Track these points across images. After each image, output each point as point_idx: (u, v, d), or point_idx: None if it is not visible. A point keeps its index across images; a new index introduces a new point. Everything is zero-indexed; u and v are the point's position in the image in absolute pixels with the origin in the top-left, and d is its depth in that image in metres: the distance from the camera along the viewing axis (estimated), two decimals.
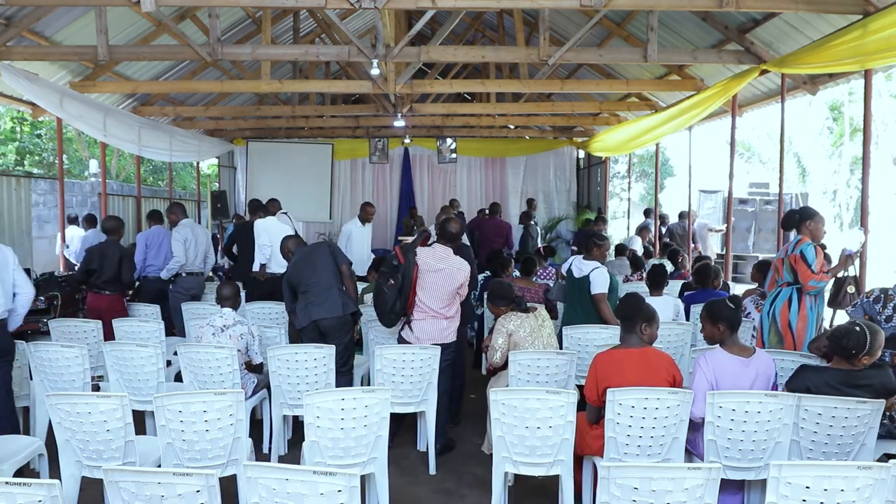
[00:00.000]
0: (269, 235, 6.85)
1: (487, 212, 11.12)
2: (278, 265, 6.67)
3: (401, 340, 4.61)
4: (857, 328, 3.25)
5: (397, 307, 4.47)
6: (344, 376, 4.72)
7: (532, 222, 11.59)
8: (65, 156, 14.35)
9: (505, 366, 4.35)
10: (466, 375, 5.32)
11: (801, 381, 3.32)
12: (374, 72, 6.87)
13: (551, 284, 6.30)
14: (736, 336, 3.47)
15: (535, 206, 13.23)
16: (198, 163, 14.55)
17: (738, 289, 7.82)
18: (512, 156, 15.11)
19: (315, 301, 4.86)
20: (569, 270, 5.42)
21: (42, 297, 6.40)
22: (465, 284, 4.60)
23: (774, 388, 3.42)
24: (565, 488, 3.45)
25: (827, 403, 3.17)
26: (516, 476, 3.85)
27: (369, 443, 3.35)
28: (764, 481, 2.94)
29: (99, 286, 6.16)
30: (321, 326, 4.85)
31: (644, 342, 3.48)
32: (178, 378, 4.74)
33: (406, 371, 4.27)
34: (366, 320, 5.43)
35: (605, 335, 4.88)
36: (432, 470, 4.33)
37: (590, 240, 5.43)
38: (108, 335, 5.28)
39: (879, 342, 3.24)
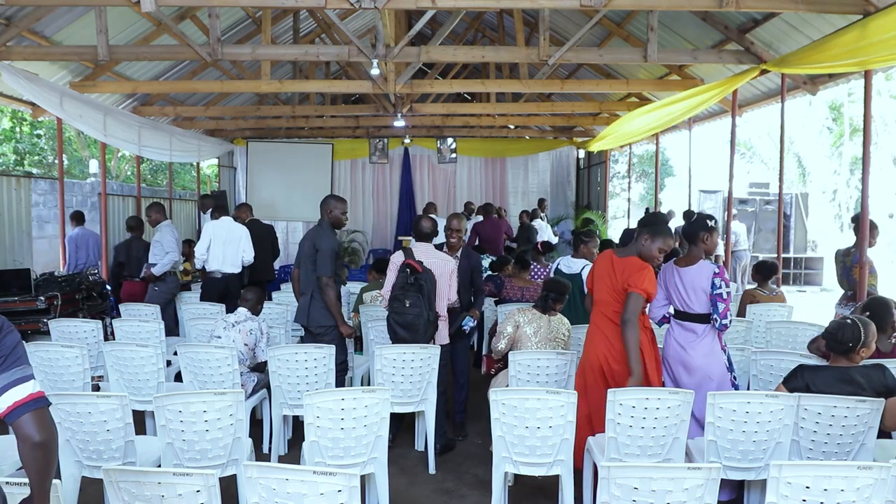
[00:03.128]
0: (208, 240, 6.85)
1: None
2: (232, 265, 6.81)
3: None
4: (850, 322, 3.28)
5: (431, 316, 4.45)
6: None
7: (531, 221, 11.63)
8: (65, 156, 14.35)
9: (505, 365, 4.36)
10: (469, 385, 5.21)
11: (799, 381, 3.32)
12: (374, 72, 6.87)
13: None
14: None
15: (546, 205, 13.28)
16: (198, 163, 14.54)
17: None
18: (512, 156, 15.11)
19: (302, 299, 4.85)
20: (557, 269, 5.47)
21: (42, 297, 6.40)
22: (453, 275, 4.66)
23: (711, 297, 3.74)
24: (565, 488, 3.45)
25: (826, 402, 3.17)
26: (516, 476, 3.85)
27: (369, 443, 3.35)
28: (764, 481, 2.94)
29: (130, 275, 7.11)
30: None
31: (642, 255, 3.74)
32: (178, 378, 4.74)
33: (406, 371, 4.28)
34: (366, 320, 5.43)
35: None
36: (432, 469, 4.33)
37: (577, 237, 5.52)
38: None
39: (873, 333, 3.29)
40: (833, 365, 3.35)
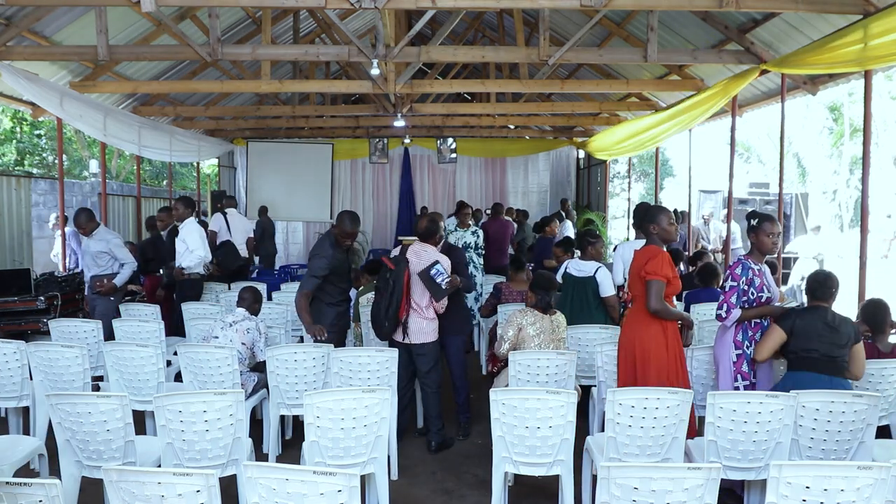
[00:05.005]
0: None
1: (489, 212, 11.11)
2: (200, 265, 6.76)
3: (392, 343, 4.69)
4: (826, 272, 3.88)
5: (390, 313, 4.53)
6: None
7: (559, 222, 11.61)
8: (65, 156, 14.35)
9: (507, 363, 4.36)
10: (469, 386, 5.14)
11: (788, 322, 3.69)
12: (374, 72, 6.87)
13: None
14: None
15: (569, 206, 13.16)
16: (198, 163, 14.55)
17: None
18: (512, 156, 15.12)
19: None
20: (566, 273, 5.43)
21: (42, 297, 6.40)
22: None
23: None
24: (565, 488, 3.45)
25: (824, 398, 3.20)
26: (516, 476, 3.85)
27: (369, 443, 3.35)
28: (764, 481, 2.94)
29: (154, 270, 7.21)
30: None
31: (660, 243, 3.93)
32: (178, 378, 4.74)
33: (363, 374, 4.17)
34: (364, 320, 5.43)
35: (605, 335, 4.89)
36: (394, 475, 4.13)
37: (583, 239, 5.49)
38: (166, 315, 6.29)
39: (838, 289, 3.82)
40: (816, 305, 3.74)
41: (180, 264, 6.68)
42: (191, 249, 6.65)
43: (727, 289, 3.86)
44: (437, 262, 4.54)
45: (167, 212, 7.47)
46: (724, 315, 3.84)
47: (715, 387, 4.03)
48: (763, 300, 3.84)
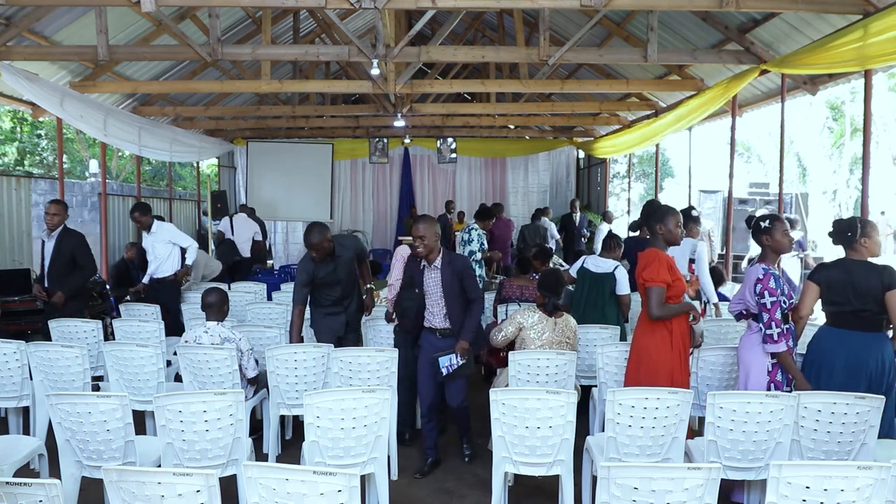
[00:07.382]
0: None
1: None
2: (171, 268, 6.60)
3: (403, 340, 4.72)
4: (850, 217, 3.83)
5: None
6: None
7: (540, 221, 11.59)
8: (65, 156, 14.34)
9: (505, 364, 4.35)
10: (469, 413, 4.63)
11: (817, 275, 3.70)
12: (374, 72, 6.87)
13: None
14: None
15: (576, 207, 13.04)
16: (198, 163, 14.55)
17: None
18: (512, 156, 15.13)
19: None
20: (583, 268, 5.46)
21: None
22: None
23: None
24: (565, 488, 3.45)
25: (826, 400, 3.19)
26: (516, 476, 3.85)
27: (369, 443, 3.35)
28: (764, 481, 2.94)
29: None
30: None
31: (663, 245, 3.88)
32: (178, 378, 4.74)
33: (363, 374, 4.14)
34: (365, 320, 5.43)
35: (605, 335, 4.90)
36: (394, 475, 4.12)
37: (613, 239, 5.65)
38: (165, 314, 6.09)
39: (872, 226, 3.69)
40: (847, 258, 3.68)
41: (188, 263, 6.64)
42: (184, 245, 6.64)
43: (769, 305, 3.54)
44: (444, 355, 4.15)
45: (59, 205, 5.82)
46: (776, 338, 3.53)
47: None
48: (791, 305, 3.69)
